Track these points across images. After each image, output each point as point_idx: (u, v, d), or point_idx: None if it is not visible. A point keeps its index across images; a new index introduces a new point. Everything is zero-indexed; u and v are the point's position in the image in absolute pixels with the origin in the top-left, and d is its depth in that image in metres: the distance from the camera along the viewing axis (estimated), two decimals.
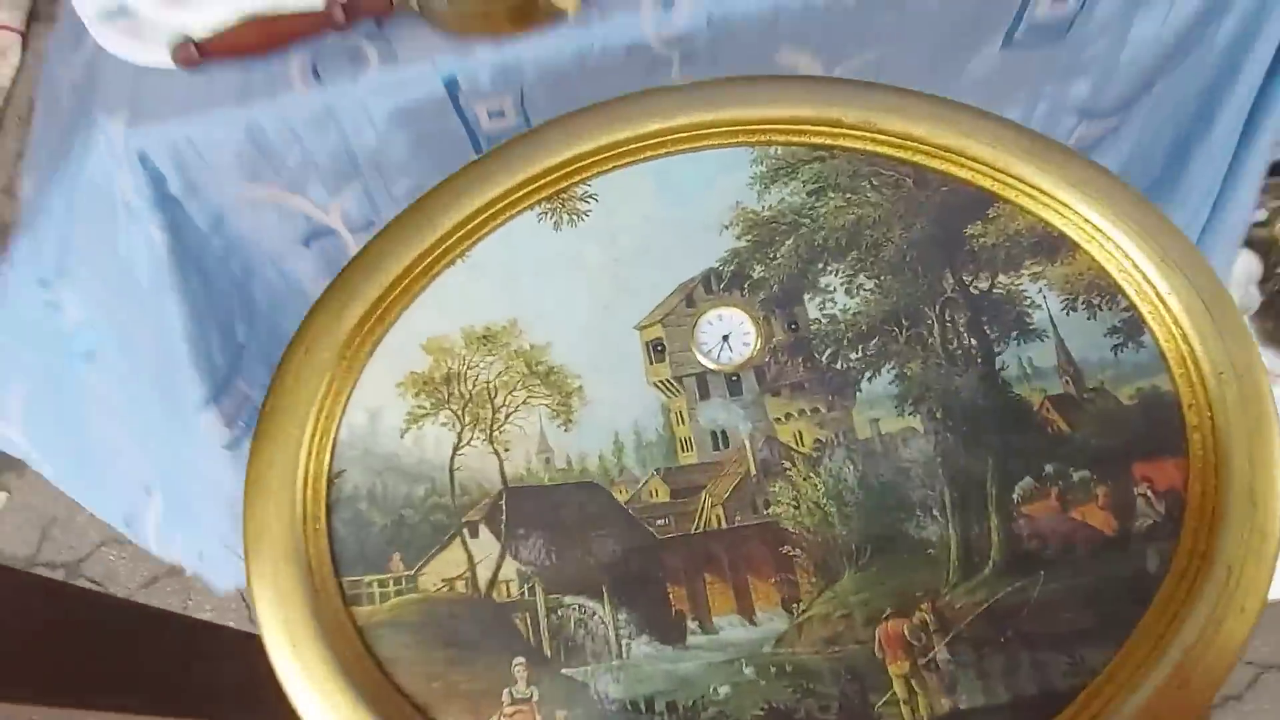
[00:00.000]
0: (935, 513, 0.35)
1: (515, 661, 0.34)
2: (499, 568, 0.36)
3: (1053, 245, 0.38)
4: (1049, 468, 0.36)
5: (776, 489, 0.36)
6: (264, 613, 0.34)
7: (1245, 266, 1.16)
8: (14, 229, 0.65)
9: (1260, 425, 0.35)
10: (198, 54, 0.56)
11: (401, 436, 0.37)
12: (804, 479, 0.36)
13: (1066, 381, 0.37)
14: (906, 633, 0.34)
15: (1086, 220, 0.38)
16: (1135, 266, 0.37)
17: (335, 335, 0.37)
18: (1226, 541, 0.33)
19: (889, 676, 0.34)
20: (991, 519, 0.35)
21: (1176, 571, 0.34)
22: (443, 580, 0.35)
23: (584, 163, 0.40)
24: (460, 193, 0.39)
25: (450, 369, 0.38)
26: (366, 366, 0.38)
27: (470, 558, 0.36)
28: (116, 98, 0.58)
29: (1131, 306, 0.37)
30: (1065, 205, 0.38)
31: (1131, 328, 0.37)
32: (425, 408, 0.37)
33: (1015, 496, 0.35)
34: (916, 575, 0.35)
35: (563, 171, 0.40)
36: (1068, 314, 0.38)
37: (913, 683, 0.34)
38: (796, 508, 0.36)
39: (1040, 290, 0.38)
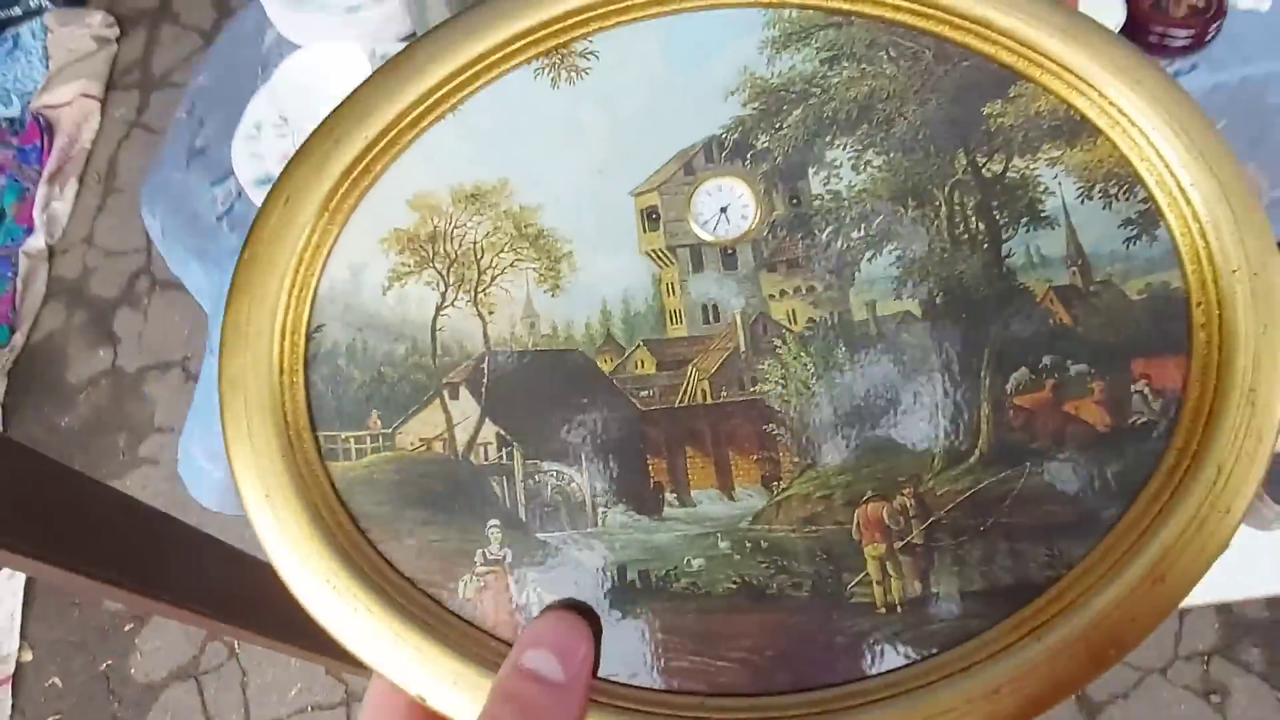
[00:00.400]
0: (926, 398, 0.34)
1: (490, 523, 0.34)
2: (478, 430, 0.35)
3: (1074, 129, 0.36)
4: (1047, 359, 0.35)
5: (765, 366, 0.35)
6: (239, 464, 0.34)
7: None
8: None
9: (1269, 325, 0.33)
10: None
11: (384, 294, 0.36)
12: (794, 358, 0.35)
13: (1074, 273, 0.35)
14: (886, 516, 0.34)
15: (1113, 104, 0.36)
16: (1159, 155, 0.35)
17: (317, 187, 0.36)
18: (1219, 442, 0.33)
19: (864, 558, 0.34)
20: (983, 407, 0.34)
21: (1165, 469, 0.33)
22: (420, 440, 0.35)
23: (586, 16, 0.37)
24: (451, 42, 0.37)
25: (436, 227, 0.36)
26: (350, 221, 0.36)
27: (449, 419, 0.35)
28: None
29: (1150, 198, 0.35)
30: (1092, 87, 0.36)
31: (1147, 220, 0.35)
32: (409, 265, 0.36)
33: (1009, 386, 0.34)
34: (901, 460, 0.34)
35: (563, 24, 0.37)
36: (1082, 202, 0.36)
37: (887, 565, 0.33)
38: (784, 386, 0.35)
39: (1056, 176, 0.36)
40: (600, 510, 0.34)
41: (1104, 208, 0.36)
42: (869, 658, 0.33)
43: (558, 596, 0.34)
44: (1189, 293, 0.35)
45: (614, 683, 0.33)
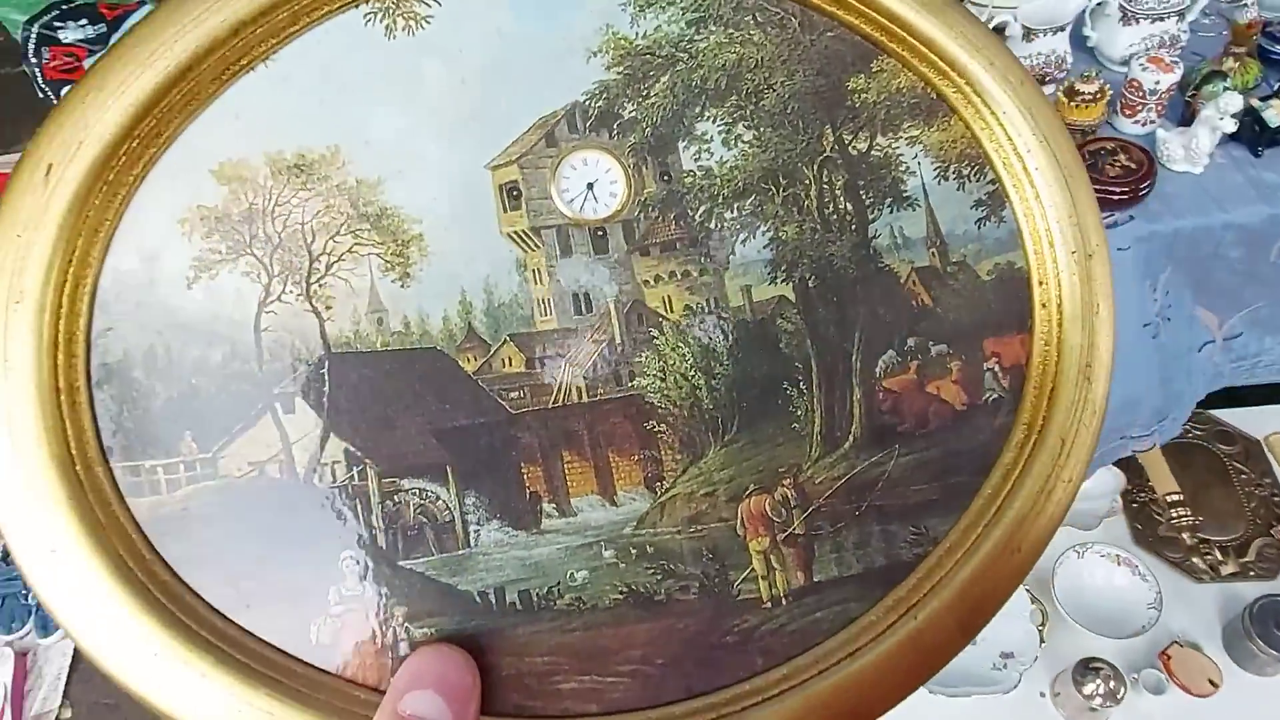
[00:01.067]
0: (802, 386, 0.34)
1: (343, 555, 0.30)
2: (322, 447, 0.30)
3: (931, 107, 0.36)
4: (911, 341, 0.35)
5: (643, 359, 0.33)
6: (9, 517, 0.27)
7: (1111, 480, 1.42)
8: None
9: (1101, 306, 0.36)
10: None
11: (189, 287, 0.29)
12: (672, 349, 0.33)
13: (933, 254, 0.36)
14: (768, 509, 0.33)
15: (968, 83, 0.35)
16: (1007, 137, 0.36)
17: (88, 149, 0.28)
18: (1060, 415, 0.35)
19: (749, 553, 0.33)
20: (855, 392, 0.34)
21: (1014, 443, 0.35)
22: (249, 464, 0.29)
23: None
24: None
25: (253, 204, 0.30)
26: (135, 195, 0.29)
27: (284, 436, 0.30)
28: None
29: (997, 179, 0.36)
30: (951, 64, 0.35)
31: (995, 202, 0.36)
32: (220, 252, 0.30)
33: (879, 370, 0.34)
34: (781, 450, 0.33)
35: None
36: (939, 183, 0.36)
37: (771, 558, 0.33)
38: (663, 380, 0.33)
39: (916, 156, 0.36)
40: (472, 529, 0.31)
41: (958, 188, 0.36)
42: (759, 654, 0.32)
43: (429, 630, 0.30)
44: (1031, 272, 0.36)
45: (500, 714, 0.30)
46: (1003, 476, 0.35)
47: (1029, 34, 1.16)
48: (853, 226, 0.35)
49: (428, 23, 0.32)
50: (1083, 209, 0.36)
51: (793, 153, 0.35)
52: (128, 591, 0.27)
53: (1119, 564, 1.44)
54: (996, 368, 0.35)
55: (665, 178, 0.34)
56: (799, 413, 0.34)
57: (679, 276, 0.33)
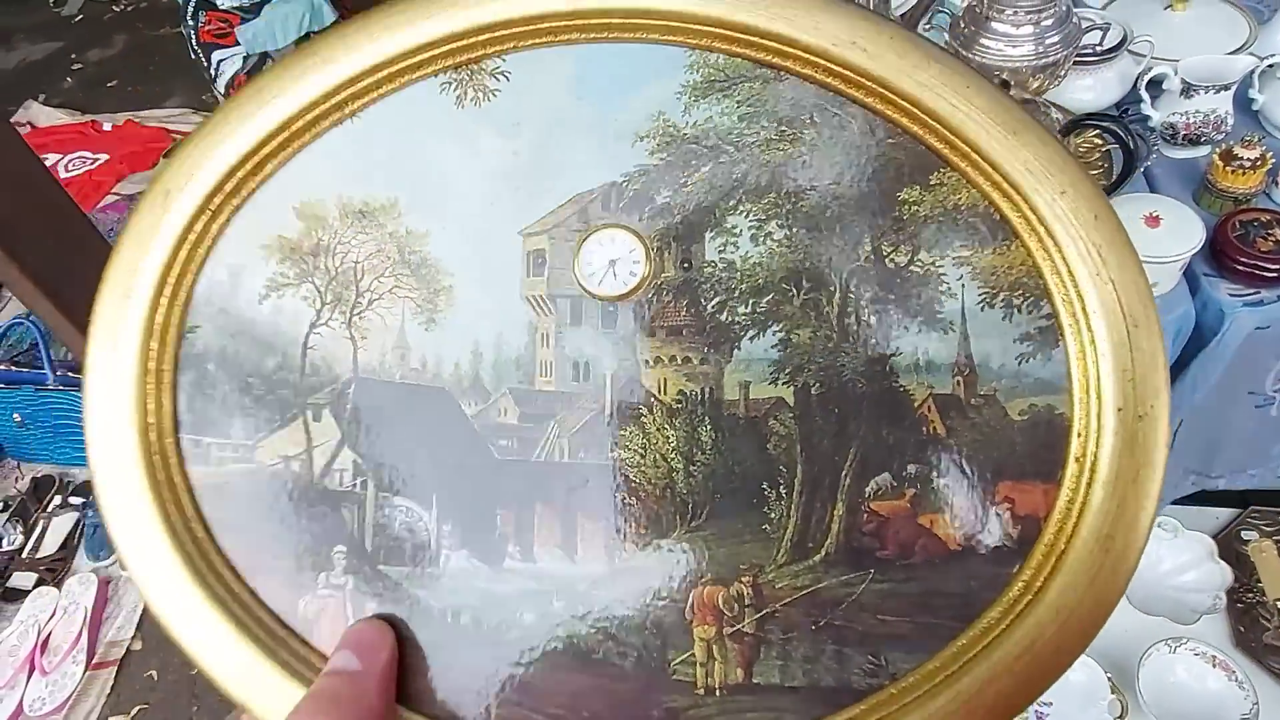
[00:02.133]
0: (782, 490, 0.33)
1: (336, 549, 0.35)
2: (335, 456, 0.35)
3: (991, 229, 0.34)
4: (912, 468, 0.33)
5: (627, 433, 0.34)
6: (96, 457, 0.34)
7: (1217, 574, 1.35)
8: None
9: (1143, 474, 0.32)
10: None
11: (260, 302, 0.35)
12: (658, 429, 0.34)
13: (958, 382, 0.34)
14: (720, 601, 0.34)
15: (1034, 210, 0.33)
16: (1070, 272, 0.33)
17: (201, 181, 0.34)
18: (1062, 582, 0.32)
19: (693, 638, 0.33)
20: (838, 507, 0.33)
21: (1005, 601, 0.32)
22: (279, 456, 0.35)
23: (502, 33, 0.34)
24: (358, 40, 0.34)
25: (320, 240, 0.35)
26: (233, 221, 0.35)
27: (309, 440, 0.35)
28: None
29: (1054, 314, 0.33)
30: (1017, 189, 0.33)
31: (1047, 338, 0.33)
32: (288, 277, 0.35)
33: (868, 490, 0.33)
34: (746, 547, 0.33)
35: (479, 38, 0.34)
36: (983, 309, 0.34)
37: (714, 648, 0.33)
38: (643, 456, 0.34)
39: (961, 278, 0.34)
40: (444, 552, 0.34)
41: (1004, 318, 0.34)
42: None
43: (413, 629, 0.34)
44: (1071, 422, 0.33)
45: (434, 717, 0.34)
46: (984, 630, 0.32)
47: (1188, 90, 1.11)
48: (872, 341, 0.34)
49: (495, 95, 0.35)
50: (1142, 364, 0.32)
51: (823, 258, 0.34)
52: (172, 541, 0.34)
53: (1214, 665, 1.29)
54: (1008, 515, 0.33)
55: (685, 265, 0.35)
56: (773, 515, 0.34)
57: (679, 361, 0.34)
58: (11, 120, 3.63)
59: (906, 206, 0.34)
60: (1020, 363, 0.33)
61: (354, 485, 0.35)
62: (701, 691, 0.33)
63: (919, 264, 0.34)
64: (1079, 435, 0.33)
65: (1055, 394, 0.33)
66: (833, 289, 0.34)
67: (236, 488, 0.35)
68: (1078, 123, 1.09)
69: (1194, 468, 1.18)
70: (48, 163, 3.13)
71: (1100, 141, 1.15)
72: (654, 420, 0.34)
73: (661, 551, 0.34)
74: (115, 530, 0.34)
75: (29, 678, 1.94)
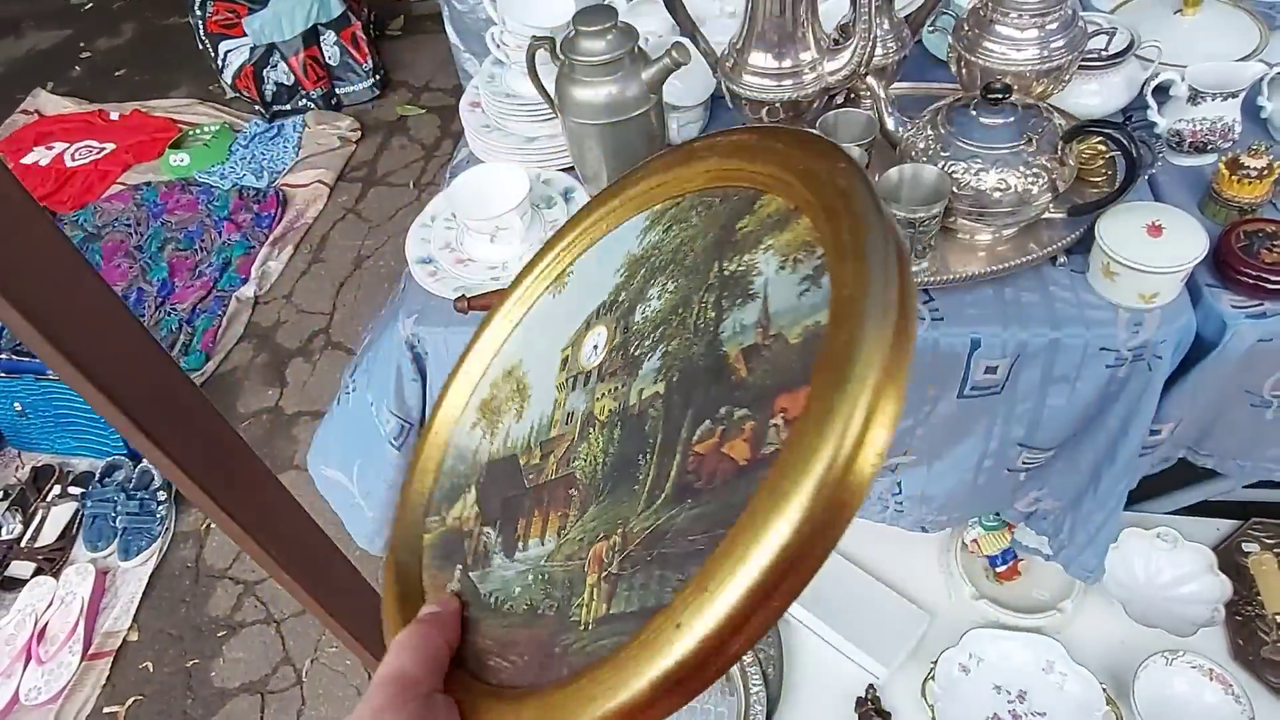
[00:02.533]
0: (648, 456, 0.41)
1: (457, 568, 0.51)
2: (471, 508, 0.53)
3: (786, 216, 0.41)
4: (722, 410, 0.39)
5: (581, 449, 0.46)
6: (396, 524, 0.58)
7: (1216, 587, 1.43)
8: (357, 364, 1.27)
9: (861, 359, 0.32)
10: (466, 306, 1.03)
11: (469, 431, 0.58)
12: (594, 439, 0.46)
13: (759, 332, 0.39)
14: (603, 551, 0.41)
15: (807, 196, 0.40)
16: (829, 223, 0.38)
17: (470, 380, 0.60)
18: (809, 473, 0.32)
19: (586, 585, 0.41)
20: (675, 458, 0.40)
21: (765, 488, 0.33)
22: (454, 518, 0.54)
23: (571, 256, 0.57)
24: (529, 287, 0.59)
25: (496, 395, 0.57)
26: (475, 391, 0.59)
27: (464, 506, 0.54)
28: (413, 306, 1.15)
29: (824, 255, 0.38)
30: (802, 185, 0.41)
31: (818, 274, 0.38)
32: (478, 420, 0.57)
33: (695, 437, 0.39)
34: (623, 506, 0.41)
35: (564, 263, 0.57)
36: (778, 272, 0.40)
37: (594, 590, 0.41)
38: (585, 461, 0.46)
39: (767, 258, 0.41)
40: (494, 555, 0.49)
41: (791, 271, 0.39)
42: (567, 665, 0.40)
43: (475, 611, 0.48)
44: (828, 326, 0.35)
45: (471, 672, 0.45)
46: (747, 519, 0.34)
47: (1196, 97, 1.09)
48: (710, 329, 0.42)
49: (565, 288, 0.56)
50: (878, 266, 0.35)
51: (691, 289, 0.45)
52: (397, 571, 0.55)
53: (1211, 679, 1.33)
54: (781, 421, 0.36)
55: (624, 330, 0.48)
56: (640, 476, 0.41)
57: (612, 392, 0.46)
58: (20, 108, 3.37)
59: (741, 231, 0.44)
60: (800, 298, 0.38)
61: (474, 528, 0.52)
62: (583, 627, 0.40)
63: (742, 264, 0.43)
64: (834, 334, 0.35)
65: (821, 310, 0.36)
66: (695, 307, 0.44)
67: (434, 543, 0.55)
68: (1081, 129, 1.01)
69: (1185, 442, 1.15)
70: (54, 151, 3.09)
71: (1104, 148, 1.09)
72: (594, 435, 0.46)
73: (582, 523, 0.44)
74: (386, 562, 0.56)
75: (25, 667, 1.88)
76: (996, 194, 1.00)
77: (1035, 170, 0.99)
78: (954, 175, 1.00)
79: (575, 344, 0.52)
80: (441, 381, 1.16)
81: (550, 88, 1.17)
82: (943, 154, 1.01)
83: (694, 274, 0.45)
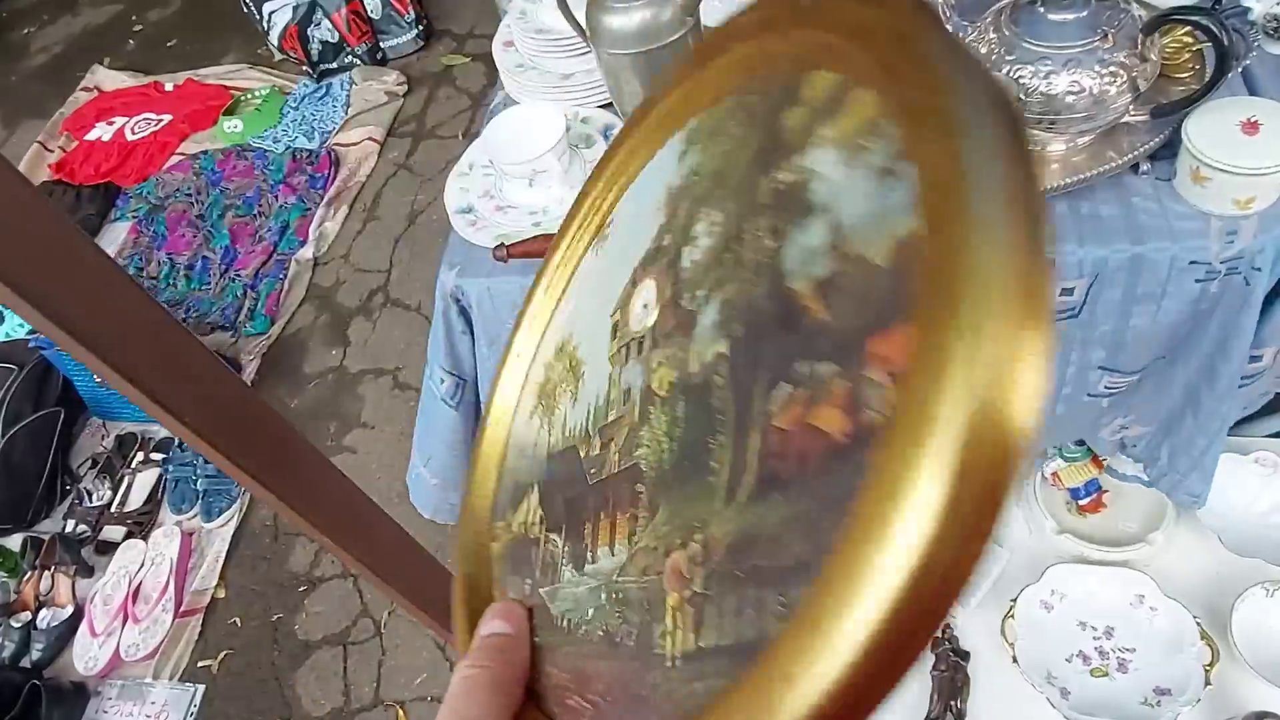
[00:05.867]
0: (721, 438, 0.31)
1: (526, 580, 0.43)
2: (535, 512, 0.44)
3: (838, 97, 0.29)
4: (801, 367, 0.28)
5: (643, 434, 0.36)
6: (461, 533, 0.49)
7: None
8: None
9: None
10: (506, 254, 0.98)
11: (530, 418, 0.48)
12: (656, 420, 0.36)
13: (833, 257, 0.28)
14: (683, 565, 0.31)
15: (863, 60, 0.28)
16: (910, 96, 0.26)
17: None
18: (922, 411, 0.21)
19: (667, 609, 0.32)
20: (752, 438, 0.29)
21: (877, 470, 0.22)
22: (518, 524, 0.45)
23: (610, 199, 0.46)
24: (568, 245, 0.48)
25: (549, 378, 0.47)
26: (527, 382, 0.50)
27: (527, 510, 0.45)
28: (454, 258, 1.11)
29: (899, 133, 0.26)
30: (846, 46, 0.29)
31: (896, 161, 0.26)
32: (535, 407, 0.48)
33: (772, 409, 0.29)
34: (699, 504, 0.31)
35: (602, 211, 0.47)
36: (842, 172, 0.28)
37: (677, 615, 0.31)
38: (649, 448, 0.36)
39: (825, 155, 0.30)
40: (561, 568, 0.40)
41: (860, 166, 0.28)
42: (655, 714, 0.30)
43: (546, 635, 0.40)
44: (923, 236, 0.24)
45: (544, 709, 0.37)
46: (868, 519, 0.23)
47: None
48: (771, 262, 0.31)
49: (608, 239, 0.46)
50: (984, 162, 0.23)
51: (740, 216, 0.34)
52: (465, 575, 0.46)
53: None
54: (882, 374, 0.24)
55: (675, 282, 0.38)
56: (714, 465, 0.31)
57: (670, 359, 0.36)
58: (80, 85, 3.35)
59: (786, 130, 0.32)
60: (878, 200, 0.27)
61: (539, 536, 0.43)
62: (670, 664, 0.30)
63: (795, 169, 0.31)
64: (924, 241, 0.23)
65: (906, 214, 0.25)
66: (746, 238, 0.33)
67: (502, 553, 0.47)
68: (1163, 18, 0.88)
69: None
70: (115, 126, 3.10)
71: (1190, 40, 0.98)
72: (656, 415, 0.36)
73: (653, 527, 0.34)
74: (453, 565, 0.46)
75: (123, 625, 1.92)
76: (1069, 98, 0.89)
77: (1112, 69, 0.87)
78: (1021, 81, 0.89)
79: (624, 305, 0.42)
80: (487, 336, 1.08)
81: (582, 19, 1.07)
82: (1008, 58, 0.90)
83: (740, 196, 0.34)
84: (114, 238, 2.73)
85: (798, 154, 0.31)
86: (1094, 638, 1.37)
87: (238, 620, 1.93)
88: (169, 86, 3.18)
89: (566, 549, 0.40)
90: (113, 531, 2.04)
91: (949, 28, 0.28)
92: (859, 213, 0.27)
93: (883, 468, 0.21)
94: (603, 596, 0.36)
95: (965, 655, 1.38)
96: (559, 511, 0.42)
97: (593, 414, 0.41)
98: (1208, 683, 1.21)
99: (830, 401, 0.26)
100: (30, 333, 2.21)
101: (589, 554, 0.38)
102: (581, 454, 0.41)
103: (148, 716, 1.78)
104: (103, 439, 2.25)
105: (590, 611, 0.36)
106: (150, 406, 0.46)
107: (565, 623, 0.38)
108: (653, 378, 0.37)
